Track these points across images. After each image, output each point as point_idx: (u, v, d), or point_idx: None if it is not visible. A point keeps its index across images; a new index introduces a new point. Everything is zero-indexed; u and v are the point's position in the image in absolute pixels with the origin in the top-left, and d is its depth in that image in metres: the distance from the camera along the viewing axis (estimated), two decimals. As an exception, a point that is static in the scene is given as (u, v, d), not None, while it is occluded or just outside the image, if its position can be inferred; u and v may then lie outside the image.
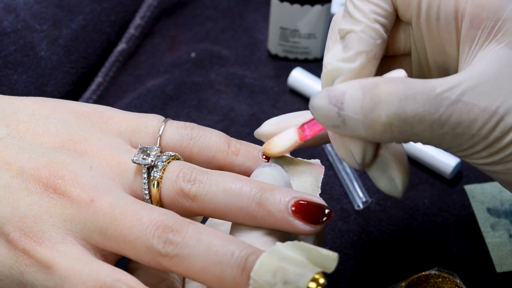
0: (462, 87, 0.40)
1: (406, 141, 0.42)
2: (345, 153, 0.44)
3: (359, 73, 0.43)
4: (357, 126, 0.41)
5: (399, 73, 0.43)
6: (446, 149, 0.42)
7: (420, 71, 0.48)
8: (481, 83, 0.40)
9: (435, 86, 0.40)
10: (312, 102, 0.42)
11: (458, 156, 0.43)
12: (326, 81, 0.44)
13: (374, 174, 0.45)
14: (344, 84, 0.42)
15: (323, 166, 0.47)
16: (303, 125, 0.46)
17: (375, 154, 0.45)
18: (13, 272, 0.41)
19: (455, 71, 0.45)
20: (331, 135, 0.45)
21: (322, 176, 0.47)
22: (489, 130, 0.40)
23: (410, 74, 0.48)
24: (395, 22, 0.46)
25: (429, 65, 0.47)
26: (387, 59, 0.48)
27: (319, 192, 0.46)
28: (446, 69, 0.46)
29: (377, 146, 0.45)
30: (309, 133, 0.46)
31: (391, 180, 0.45)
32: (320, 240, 0.44)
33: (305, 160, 0.48)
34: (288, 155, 0.48)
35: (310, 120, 0.46)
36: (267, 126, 0.48)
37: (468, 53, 0.43)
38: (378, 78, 0.42)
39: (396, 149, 0.45)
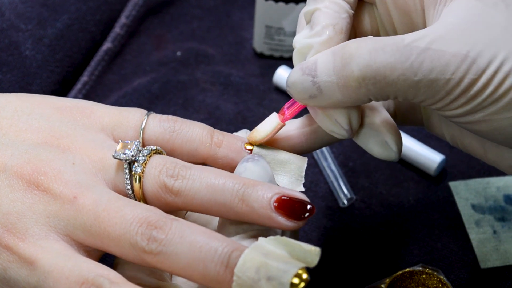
0: (431, 36, 0.41)
1: (384, 97, 0.42)
2: (331, 123, 0.44)
3: (328, 44, 0.44)
4: (333, 89, 0.42)
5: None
6: (423, 101, 0.42)
7: None
8: (449, 31, 0.41)
9: (404, 38, 0.41)
10: (287, 80, 0.43)
11: (437, 109, 0.43)
12: (298, 59, 0.45)
13: (365, 141, 0.45)
14: (315, 56, 0.43)
15: (306, 157, 0.47)
16: (283, 108, 0.47)
17: (361, 123, 0.45)
18: (-4, 268, 0.41)
19: None
20: (312, 111, 0.45)
21: (305, 166, 0.47)
22: (463, 73, 0.40)
23: None
24: (358, 4, 0.47)
25: None
26: None
27: (303, 181, 0.46)
28: None
29: (361, 115, 0.45)
30: (289, 112, 0.46)
31: (384, 144, 0.45)
32: (295, 235, 0.44)
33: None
34: (271, 147, 0.48)
35: (289, 102, 0.47)
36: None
37: (434, 13, 0.44)
38: (347, 41, 0.42)
39: (382, 114, 0.46)
